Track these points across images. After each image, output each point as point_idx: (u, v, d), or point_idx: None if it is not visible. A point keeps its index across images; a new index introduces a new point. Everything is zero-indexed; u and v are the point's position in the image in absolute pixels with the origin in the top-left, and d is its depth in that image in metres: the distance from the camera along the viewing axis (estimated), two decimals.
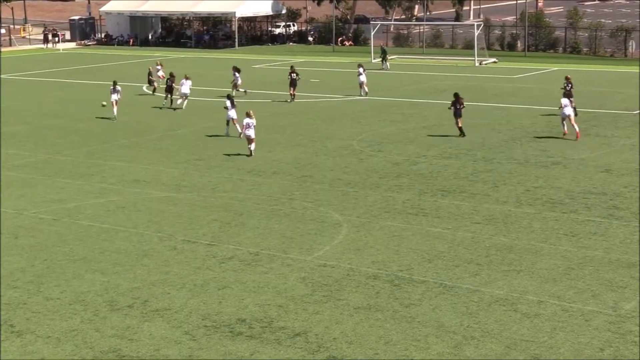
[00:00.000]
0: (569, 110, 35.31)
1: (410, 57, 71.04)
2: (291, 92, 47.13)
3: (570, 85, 40.08)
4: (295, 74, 46.96)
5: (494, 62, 66.57)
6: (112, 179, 29.56)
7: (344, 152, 33.53)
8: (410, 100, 47.51)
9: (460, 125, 36.11)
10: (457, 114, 36.04)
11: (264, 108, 44.90)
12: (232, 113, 36.56)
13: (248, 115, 32.92)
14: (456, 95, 36.60)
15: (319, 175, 29.82)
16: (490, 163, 31.25)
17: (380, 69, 61.55)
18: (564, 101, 35.78)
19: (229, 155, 33.09)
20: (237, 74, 49.31)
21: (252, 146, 32.96)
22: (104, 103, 42.53)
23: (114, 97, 41.91)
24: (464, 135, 36.00)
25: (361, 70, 48.96)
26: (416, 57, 71.45)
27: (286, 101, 47.08)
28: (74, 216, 25.08)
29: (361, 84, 48.91)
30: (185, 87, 44.59)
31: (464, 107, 36.22)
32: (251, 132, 32.70)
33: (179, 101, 44.76)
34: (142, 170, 30.81)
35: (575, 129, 35.05)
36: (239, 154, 33.02)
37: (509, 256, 21.02)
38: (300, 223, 24.08)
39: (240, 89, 48.92)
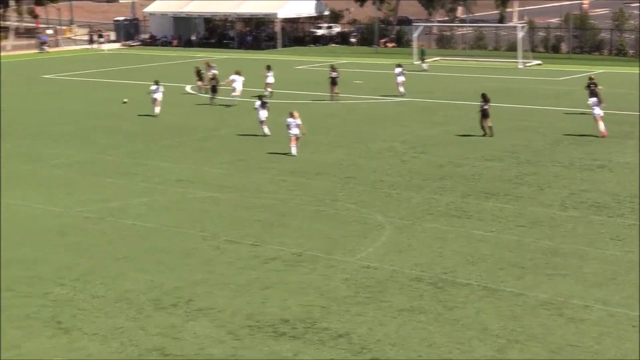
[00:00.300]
0: (598, 110, 35.58)
1: (453, 59, 70.69)
2: (333, 91, 47.43)
3: (594, 84, 39.87)
4: (335, 73, 47.30)
5: (538, 64, 66.00)
6: (156, 179, 29.78)
7: (387, 154, 33.48)
8: (453, 102, 47.29)
9: (489, 124, 36.56)
10: (485, 115, 36.53)
11: (306, 109, 44.88)
12: (263, 113, 37.00)
13: (292, 115, 33.15)
14: (484, 95, 37.06)
15: (362, 176, 29.80)
16: (534, 166, 31.01)
17: (420, 71, 61.45)
18: (592, 101, 35.87)
19: (273, 154, 33.15)
20: (269, 73, 49.49)
21: (295, 147, 33.15)
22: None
23: (157, 95, 42.41)
24: (485, 134, 36.56)
25: (399, 70, 49.00)
26: (459, 59, 71.06)
27: (328, 101, 47.18)
28: (118, 215, 25.31)
29: (399, 84, 48.92)
30: (238, 83, 45.59)
31: (489, 107, 36.74)
32: (296, 131, 32.99)
33: (233, 94, 45.55)
34: (185, 170, 31.01)
35: (600, 128, 35.18)
36: (283, 154, 33.05)
37: (553, 260, 20.84)
38: (343, 224, 24.08)
39: (268, 90, 49.00)
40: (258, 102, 37.30)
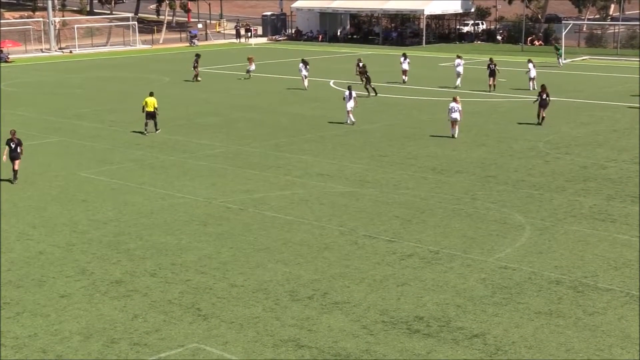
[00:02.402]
0: None
1: (604, 58, 68.70)
2: (490, 82, 50.17)
3: None
4: (494, 65, 50.14)
5: None
6: (297, 172, 30.18)
7: (530, 154, 32.86)
8: (601, 103, 46.00)
9: (543, 115, 38.88)
10: (542, 105, 38.79)
11: (447, 107, 44.56)
12: (350, 103, 39.09)
13: (455, 100, 35.97)
14: (543, 86, 39.42)
15: (503, 176, 29.36)
16: None
17: (556, 66, 61.23)
18: None
19: (414, 150, 33.09)
20: (305, 67, 52.80)
21: (456, 130, 36.13)
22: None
23: (304, 72, 49.88)
24: (540, 123, 38.67)
25: (531, 65, 50.56)
26: (609, 58, 69.04)
27: (485, 91, 49.95)
28: (259, 207, 25.78)
29: (531, 79, 50.46)
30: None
31: (549, 98, 38.95)
32: (457, 116, 35.77)
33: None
34: (326, 165, 31.29)
35: None
36: (424, 151, 32.95)
37: None
38: (482, 223, 23.79)
39: (404, 77, 54.09)
40: (347, 92, 39.31)
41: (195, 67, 56.73)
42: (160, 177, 29.63)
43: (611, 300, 18.15)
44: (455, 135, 36.00)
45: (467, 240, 22.37)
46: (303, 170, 30.42)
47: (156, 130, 37.88)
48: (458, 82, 51.92)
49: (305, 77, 51.79)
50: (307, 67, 51.67)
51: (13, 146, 28.84)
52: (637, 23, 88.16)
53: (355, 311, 17.74)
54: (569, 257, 20.90)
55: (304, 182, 28.82)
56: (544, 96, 38.76)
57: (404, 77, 54.77)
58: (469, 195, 26.88)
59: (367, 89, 48.41)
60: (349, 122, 39.43)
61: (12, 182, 28.83)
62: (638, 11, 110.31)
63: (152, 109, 37.44)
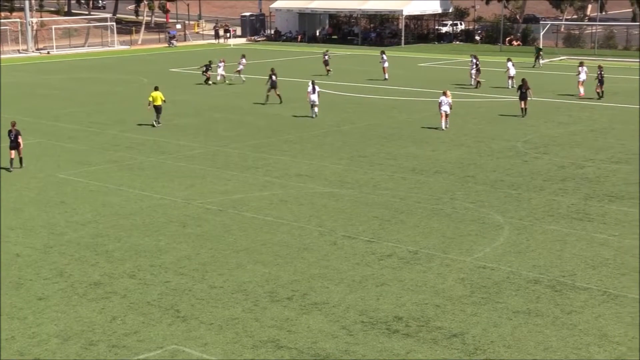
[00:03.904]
0: None
1: (581, 58, 69.02)
2: (476, 78, 52.32)
3: None
4: (478, 63, 52.53)
5: None
6: (276, 173, 30.16)
7: (509, 154, 32.99)
8: (579, 103, 46.24)
9: (525, 106, 41.18)
10: (523, 97, 41.05)
11: (427, 107, 44.74)
12: (314, 97, 40.73)
13: (445, 94, 38.06)
14: (523, 80, 41.33)
15: (481, 176, 29.47)
16: None
17: (533, 67, 61.89)
18: None
19: (392, 151, 33.16)
20: (243, 60, 55.99)
21: (445, 122, 38.06)
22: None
23: (313, 97, 41.55)
24: (524, 115, 41.05)
25: (510, 64, 51.60)
26: (587, 58, 69.36)
27: (470, 86, 52.19)
28: (238, 208, 25.74)
29: (510, 77, 51.46)
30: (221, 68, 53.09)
31: (530, 89, 41.08)
32: (446, 108, 37.91)
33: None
34: (305, 165, 31.29)
35: None
36: (402, 152, 33.03)
37: None
38: (460, 223, 23.87)
39: (238, 76, 55.92)
40: (310, 87, 40.92)
41: (205, 72, 55.62)
42: (139, 179, 29.53)
43: (589, 299, 18.25)
44: (444, 127, 37.85)
45: (445, 240, 22.43)
46: (282, 171, 30.41)
47: (158, 124, 39.62)
48: (512, 83, 51.17)
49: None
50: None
51: (12, 137, 30.72)
52: (615, 23, 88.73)
53: (335, 312, 17.75)
54: (547, 257, 21.00)
55: (283, 182, 28.81)
56: (524, 89, 40.89)
57: (385, 74, 55.67)
58: (447, 195, 26.96)
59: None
60: (313, 115, 41.16)
61: (19, 168, 31.03)
62: (619, 11, 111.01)
63: (159, 103, 39.46)
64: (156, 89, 39.87)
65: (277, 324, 17.13)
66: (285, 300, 18.38)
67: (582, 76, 48.39)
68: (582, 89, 47.97)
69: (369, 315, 17.54)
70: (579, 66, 49.12)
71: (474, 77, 52.66)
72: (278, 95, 46.01)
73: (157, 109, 39.53)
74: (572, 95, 48.37)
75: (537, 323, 17.06)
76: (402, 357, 15.70)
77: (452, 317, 17.40)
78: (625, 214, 24.62)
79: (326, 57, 60.31)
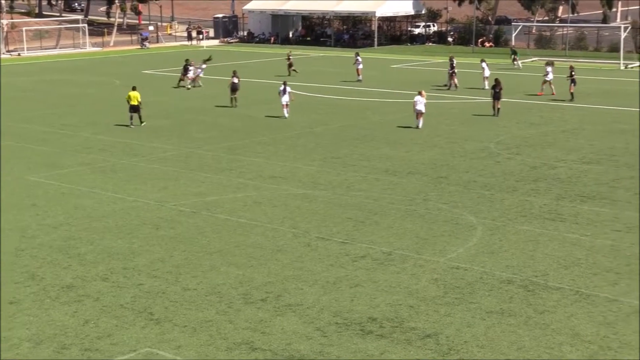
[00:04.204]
0: None
1: (552, 60, 69.43)
2: (452, 80, 52.15)
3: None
4: (454, 65, 52.17)
5: None
6: (250, 174, 30.11)
7: (481, 155, 33.15)
8: (550, 104, 46.55)
9: (498, 106, 41.88)
10: (496, 97, 41.81)
11: (400, 108, 44.89)
12: (285, 98, 41.34)
13: (420, 93, 39.00)
14: (496, 80, 42.17)
15: (454, 176, 29.58)
16: (633, 169, 30.29)
17: (512, 68, 62.09)
18: None
19: (366, 152, 33.22)
20: (190, 68, 55.11)
21: (421, 121, 38.80)
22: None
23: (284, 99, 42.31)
24: (496, 115, 41.75)
25: (484, 65, 52.20)
26: (558, 59, 69.84)
27: (445, 89, 52.34)
28: (212, 209, 25.67)
29: (485, 78, 51.84)
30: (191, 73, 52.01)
31: (502, 89, 41.93)
32: (421, 107, 38.76)
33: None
34: (279, 167, 31.27)
35: None
36: (375, 153, 33.09)
37: None
38: (434, 224, 23.94)
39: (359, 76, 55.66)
40: (281, 87, 41.55)
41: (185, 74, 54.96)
42: (112, 181, 29.38)
43: (561, 299, 18.36)
44: (419, 126, 38.63)
45: (419, 241, 22.49)
46: (256, 173, 30.36)
47: (141, 123, 39.73)
48: (486, 84, 51.63)
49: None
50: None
51: None
52: (585, 25, 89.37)
53: (309, 313, 17.74)
54: (520, 257, 21.11)
55: (257, 184, 28.77)
56: (497, 89, 41.72)
57: (359, 76, 55.80)
58: (421, 196, 27.04)
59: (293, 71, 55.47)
60: (285, 114, 41.64)
61: None
62: (589, 13, 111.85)
63: (136, 103, 39.54)
64: (134, 88, 40.00)
65: (251, 326, 17.10)
66: (259, 302, 18.35)
67: (550, 76, 49.08)
68: (544, 88, 48.61)
69: (343, 316, 17.54)
70: (547, 66, 50.01)
71: (448, 78, 52.72)
72: (234, 98, 45.66)
73: (134, 109, 39.63)
74: (544, 96, 48.69)
75: (510, 323, 17.14)
76: (376, 357, 15.71)
77: (426, 317, 17.45)
78: (597, 214, 24.81)
79: (290, 57, 61.13)
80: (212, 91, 52.61)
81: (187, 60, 56.32)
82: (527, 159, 32.25)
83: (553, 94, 48.21)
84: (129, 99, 39.65)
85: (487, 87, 50.22)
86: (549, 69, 49.15)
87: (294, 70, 59.80)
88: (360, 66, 56.55)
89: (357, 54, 57.95)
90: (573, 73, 46.84)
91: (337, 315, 17.61)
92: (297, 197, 27.05)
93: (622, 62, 63.66)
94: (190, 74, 54.48)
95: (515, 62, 63.99)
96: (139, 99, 39.52)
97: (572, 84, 46.66)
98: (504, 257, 21.07)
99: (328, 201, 26.56)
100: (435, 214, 24.95)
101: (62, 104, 48.22)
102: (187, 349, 16.10)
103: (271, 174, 30.13)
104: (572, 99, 46.67)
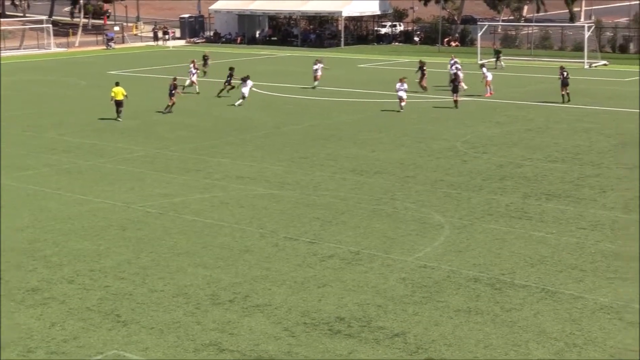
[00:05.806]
0: None
1: (518, 59, 69.97)
2: (422, 83, 51.05)
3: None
4: (424, 68, 51.49)
5: (605, 64, 65.07)
6: (217, 175, 30.03)
7: (448, 154, 33.29)
8: (515, 103, 46.85)
9: (457, 98, 44.15)
10: (455, 90, 44.31)
11: (367, 107, 44.99)
12: (245, 90, 44.53)
13: (401, 80, 42.79)
14: (456, 74, 46.03)
15: (421, 176, 29.68)
16: (598, 168, 30.58)
17: (494, 68, 61.64)
18: None
19: (334, 152, 33.24)
20: (317, 66, 52.72)
21: (403, 104, 42.70)
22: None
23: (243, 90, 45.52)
24: (564, 101, 44.95)
25: (484, 70, 50.47)
26: (524, 59, 70.36)
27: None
28: (179, 210, 25.57)
29: (487, 83, 50.40)
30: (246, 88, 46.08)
31: (460, 83, 45.15)
32: (402, 94, 42.63)
33: (238, 102, 45.67)
34: (246, 167, 31.21)
35: None
36: (343, 152, 33.12)
37: (615, 263, 20.52)
38: (401, 223, 24.01)
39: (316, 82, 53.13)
40: (241, 80, 45.09)
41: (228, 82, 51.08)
42: (77, 182, 29.17)
43: (527, 297, 18.49)
44: (400, 110, 42.36)
45: (387, 240, 22.54)
46: (223, 173, 30.28)
47: (117, 118, 41.17)
48: (463, 86, 49.80)
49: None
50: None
51: None
52: (550, 24, 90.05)
53: (277, 313, 17.73)
54: (487, 255, 21.23)
55: (224, 185, 28.70)
56: (457, 83, 44.73)
57: (315, 82, 52.59)
58: (388, 195, 27.10)
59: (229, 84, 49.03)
60: (237, 104, 44.59)
61: None
62: (555, 12, 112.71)
63: (121, 97, 40.90)
64: (117, 84, 41.45)
65: (218, 327, 17.05)
66: (227, 303, 18.31)
67: (489, 76, 49.41)
68: (489, 89, 48.77)
69: (311, 316, 17.55)
70: (482, 67, 50.57)
71: (418, 80, 51.46)
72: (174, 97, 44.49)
73: (119, 104, 41.02)
74: (508, 94, 49.01)
75: (477, 321, 17.24)
76: (345, 357, 15.74)
77: (394, 316, 17.50)
78: (562, 212, 25.01)
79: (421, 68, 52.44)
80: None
81: (231, 68, 50.53)
82: (494, 158, 32.44)
83: (489, 94, 48.33)
84: (114, 95, 41.02)
85: (489, 92, 48.97)
86: (485, 69, 49.63)
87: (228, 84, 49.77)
88: (320, 73, 52.59)
89: (318, 61, 53.93)
90: (564, 74, 45.69)
91: (305, 315, 17.61)
92: (264, 198, 27.01)
93: (586, 61, 64.22)
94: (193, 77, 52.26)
95: (498, 63, 63.59)
96: (124, 93, 41.02)
97: (564, 86, 45.70)
98: (471, 256, 21.18)
99: (295, 201, 26.55)
100: (403, 214, 25.02)
101: (27, 105, 47.77)
102: (154, 350, 16.03)
103: (238, 174, 30.07)
104: (568, 100, 45.81)
